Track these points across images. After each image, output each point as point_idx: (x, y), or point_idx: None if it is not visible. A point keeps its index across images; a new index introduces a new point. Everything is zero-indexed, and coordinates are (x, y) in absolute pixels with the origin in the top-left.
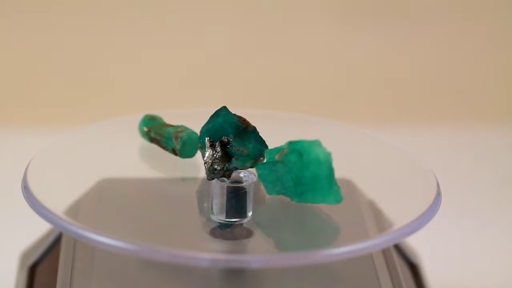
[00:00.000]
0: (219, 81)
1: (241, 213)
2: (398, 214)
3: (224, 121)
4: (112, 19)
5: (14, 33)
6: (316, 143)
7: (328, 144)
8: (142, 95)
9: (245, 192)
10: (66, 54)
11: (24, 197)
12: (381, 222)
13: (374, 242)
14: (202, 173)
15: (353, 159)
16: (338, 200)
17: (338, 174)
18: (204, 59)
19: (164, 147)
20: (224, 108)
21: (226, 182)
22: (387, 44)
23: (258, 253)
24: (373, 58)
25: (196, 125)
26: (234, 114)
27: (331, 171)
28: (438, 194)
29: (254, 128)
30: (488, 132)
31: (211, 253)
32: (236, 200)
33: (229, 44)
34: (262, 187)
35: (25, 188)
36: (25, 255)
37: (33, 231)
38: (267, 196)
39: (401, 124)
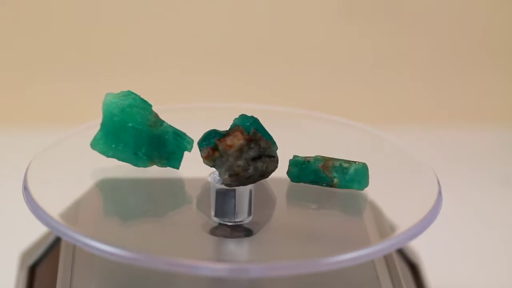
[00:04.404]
0: (220, 77)
1: (241, 214)
2: (399, 216)
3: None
4: (111, 16)
5: (14, 33)
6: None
7: (328, 142)
8: (142, 94)
9: (245, 194)
10: (65, 53)
11: (24, 199)
12: (381, 223)
13: (376, 249)
14: (203, 173)
15: (353, 158)
16: (91, 145)
17: None
18: (205, 57)
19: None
20: (251, 117)
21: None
22: (388, 43)
23: (258, 262)
24: (373, 57)
25: (196, 122)
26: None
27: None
28: (439, 193)
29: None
30: (488, 132)
31: (209, 262)
32: (236, 201)
33: (231, 41)
34: (264, 188)
35: (25, 190)
36: (25, 255)
37: (33, 231)
38: (269, 197)
39: (401, 124)
